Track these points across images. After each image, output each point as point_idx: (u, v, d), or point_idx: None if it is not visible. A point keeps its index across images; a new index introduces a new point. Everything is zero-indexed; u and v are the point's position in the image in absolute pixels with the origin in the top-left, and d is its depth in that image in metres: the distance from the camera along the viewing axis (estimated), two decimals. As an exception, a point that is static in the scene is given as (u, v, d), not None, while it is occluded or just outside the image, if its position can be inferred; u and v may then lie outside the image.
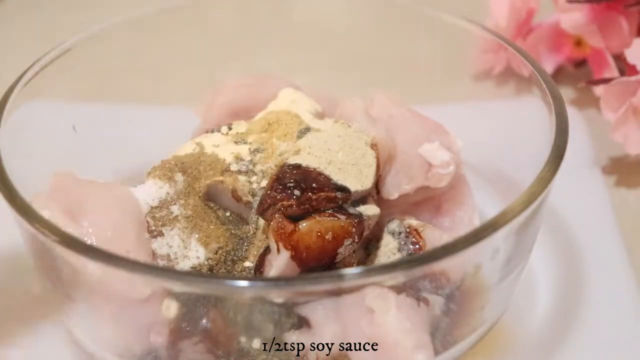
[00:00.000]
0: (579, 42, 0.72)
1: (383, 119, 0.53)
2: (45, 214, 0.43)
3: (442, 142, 0.51)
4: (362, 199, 0.48)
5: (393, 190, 0.51)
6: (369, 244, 0.51)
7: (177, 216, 0.48)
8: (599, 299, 0.53)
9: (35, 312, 0.53)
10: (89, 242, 0.44)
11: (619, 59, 0.67)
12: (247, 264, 0.48)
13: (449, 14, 0.59)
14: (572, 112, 0.50)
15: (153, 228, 0.48)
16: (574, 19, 0.68)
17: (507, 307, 0.49)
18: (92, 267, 0.41)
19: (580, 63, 0.74)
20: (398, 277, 0.41)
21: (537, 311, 0.53)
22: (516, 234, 0.44)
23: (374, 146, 0.49)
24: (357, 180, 0.47)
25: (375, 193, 0.50)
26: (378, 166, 0.49)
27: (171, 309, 0.43)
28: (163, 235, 0.48)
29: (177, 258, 0.47)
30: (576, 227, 0.58)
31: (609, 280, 0.55)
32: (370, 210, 0.47)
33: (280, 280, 0.42)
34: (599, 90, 0.68)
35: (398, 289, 0.42)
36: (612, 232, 0.58)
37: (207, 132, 0.54)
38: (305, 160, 0.48)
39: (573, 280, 0.55)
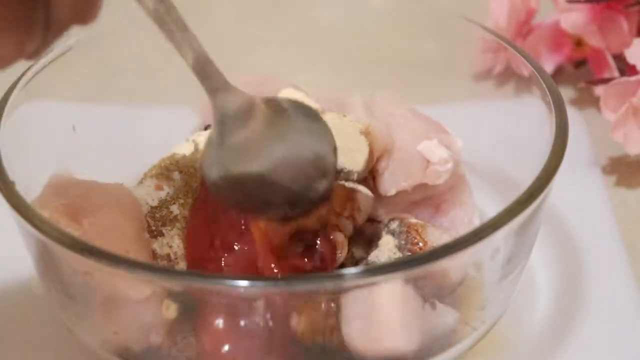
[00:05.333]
0: (579, 42, 0.72)
1: (383, 118, 0.53)
2: (45, 214, 0.43)
3: (441, 141, 0.51)
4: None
5: (390, 186, 0.51)
6: (369, 244, 0.51)
7: (176, 216, 0.48)
8: (599, 299, 0.53)
9: (36, 312, 0.53)
10: (88, 242, 0.44)
11: (619, 59, 0.67)
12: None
13: (449, 14, 0.59)
14: (572, 112, 0.50)
15: (153, 228, 0.48)
16: (574, 19, 0.68)
17: (507, 307, 0.49)
18: (92, 267, 0.41)
19: (580, 63, 0.74)
20: (398, 277, 0.41)
21: (537, 311, 0.53)
22: (516, 234, 0.44)
23: (367, 134, 0.49)
24: (347, 161, 0.47)
25: (372, 183, 0.50)
26: (372, 154, 0.49)
27: (171, 309, 0.43)
28: (163, 235, 0.48)
29: (177, 258, 0.47)
30: (576, 227, 0.58)
31: (609, 280, 0.55)
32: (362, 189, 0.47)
33: (280, 280, 0.42)
34: (599, 90, 0.68)
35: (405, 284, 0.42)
36: (612, 232, 0.58)
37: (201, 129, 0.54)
38: None
39: (573, 280, 0.55)
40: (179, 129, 0.57)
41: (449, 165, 0.50)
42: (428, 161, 0.50)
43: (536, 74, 0.50)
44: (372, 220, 0.52)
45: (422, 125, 0.52)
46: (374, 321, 0.42)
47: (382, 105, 0.54)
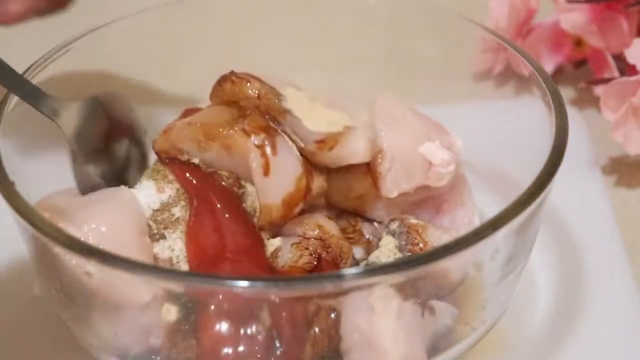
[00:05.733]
0: (579, 42, 0.72)
1: (384, 118, 0.53)
2: (45, 214, 0.43)
3: (442, 142, 0.51)
4: None
5: (392, 188, 0.51)
6: (369, 245, 0.51)
7: (178, 218, 0.48)
8: (599, 299, 0.53)
9: (35, 312, 0.53)
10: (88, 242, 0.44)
11: (619, 59, 0.67)
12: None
13: (449, 14, 0.59)
14: (572, 112, 0.50)
15: (155, 231, 0.48)
16: (574, 19, 0.68)
17: (507, 307, 0.49)
18: (92, 268, 0.41)
19: (580, 63, 0.74)
20: (398, 277, 0.41)
21: (537, 311, 0.53)
22: (516, 234, 0.44)
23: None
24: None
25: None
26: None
27: (172, 311, 0.43)
28: (165, 238, 0.48)
29: (179, 262, 0.47)
30: (576, 227, 0.58)
31: (609, 280, 0.55)
32: None
33: (280, 281, 0.42)
34: (599, 90, 0.68)
35: (404, 294, 0.42)
36: (612, 232, 0.58)
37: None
38: None
39: (573, 280, 0.55)
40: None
41: (451, 167, 0.50)
42: (430, 163, 0.50)
43: (536, 74, 0.50)
44: (372, 220, 0.52)
45: (423, 125, 0.52)
46: (373, 349, 0.42)
47: (382, 105, 0.54)
